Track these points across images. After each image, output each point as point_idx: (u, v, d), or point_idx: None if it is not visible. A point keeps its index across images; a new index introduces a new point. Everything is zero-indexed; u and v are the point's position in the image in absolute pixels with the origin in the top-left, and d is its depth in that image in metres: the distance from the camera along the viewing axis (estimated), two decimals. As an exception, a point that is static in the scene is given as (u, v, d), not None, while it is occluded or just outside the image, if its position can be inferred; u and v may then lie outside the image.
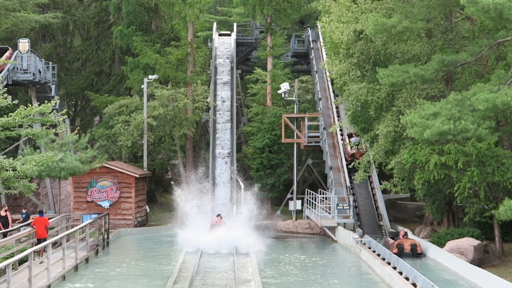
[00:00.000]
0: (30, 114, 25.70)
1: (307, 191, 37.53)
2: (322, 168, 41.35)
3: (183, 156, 43.43)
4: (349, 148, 37.34)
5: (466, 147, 23.87)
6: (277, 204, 42.32)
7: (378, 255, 25.69)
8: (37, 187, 29.87)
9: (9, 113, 25.36)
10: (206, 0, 42.61)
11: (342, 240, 31.52)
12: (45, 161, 25.63)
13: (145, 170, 39.79)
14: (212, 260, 27.16)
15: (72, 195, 36.41)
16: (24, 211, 29.65)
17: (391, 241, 27.75)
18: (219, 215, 32.41)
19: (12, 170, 24.44)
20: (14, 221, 28.55)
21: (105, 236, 30.43)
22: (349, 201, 33.19)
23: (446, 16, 27.45)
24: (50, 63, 42.03)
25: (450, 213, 30.07)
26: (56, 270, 22.11)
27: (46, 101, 29.14)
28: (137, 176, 36.51)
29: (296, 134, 39.08)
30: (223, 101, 44.98)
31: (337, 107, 41.36)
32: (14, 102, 25.77)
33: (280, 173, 41.56)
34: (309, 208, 36.49)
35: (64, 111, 33.41)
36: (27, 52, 38.35)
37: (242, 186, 38.84)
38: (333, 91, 41.64)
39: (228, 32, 51.32)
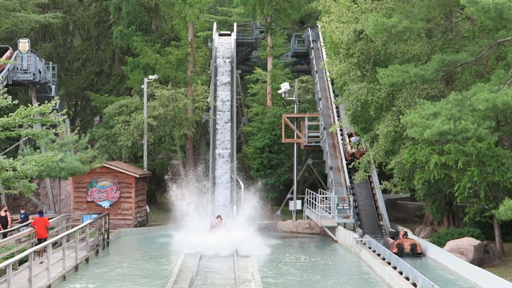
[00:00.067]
0: (30, 114, 25.70)
1: (307, 191, 37.53)
2: (322, 168, 41.35)
3: (183, 156, 43.44)
4: (349, 147, 37.36)
5: (466, 147, 23.87)
6: (277, 204, 42.33)
7: (378, 255, 25.69)
8: (37, 187, 29.84)
9: (9, 113, 25.35)
10: (206, 0, 42.62)
11: (342, 240, 31.52)
12: (45, 161, 25.62)
13: (145, 170, 39.80)
14: (213, 260, 27.14)
15: (72, 195, 36.40)
16: (22, 211, 29.57)
17: (391, 241, 27.76)
18: (219, 216, 32.02)
19: (12, 170, 24.43)
20: (13, 221, 28.53)
21: (105, 236, 30.43)
22: (349, 201, 33.19)
23: (446, 16, 27.45)
24: (50, 63, 42.04)
25: (450, 213, 30.07)
26: (56, 270, 22.11)
27: (46, 101, 29.14)
28: (137, 176, 36.51)
29: (296, 134, 39.07)
30: (223, 101, 44.98)
31: (337, 107, 41.38)
32: (14, 102, 25.76)
33: (280, 173, 41.57)
34: (309, 208, 36.49)
35: (64, 111, 33.39)
36: (27, 52, 38.36)
37: (242, 186, 38.85)
38: (333, 91, 41.67)
39: (228, 32, 51.32)
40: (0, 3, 44.04)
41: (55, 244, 23.70)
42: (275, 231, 36.26)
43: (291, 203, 37.76)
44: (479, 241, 25.05)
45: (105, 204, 35.93)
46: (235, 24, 52.16)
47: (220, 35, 50.55)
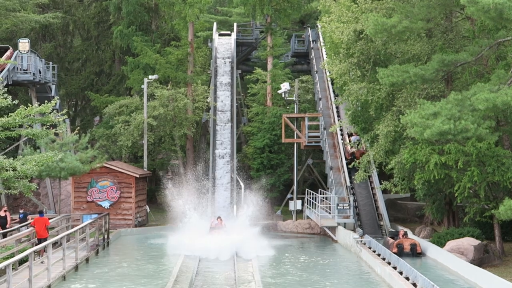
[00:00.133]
0: (30, 114, 25.69)
1: (307, 191, 37.53)
2: (322, 168, 41.35)
3: (183, 156, 43.44)
4: (349, 147, 37.35)
5: (466, 147, 23.87)
6: (277, 204, 42.32)
7: (378, 255, 25.69)
8: (37, 187, 29.84)
9: (9, 113, 25.35)
10: (206, 0, 42.60)
11: (342, 240, 31.52)
12: (45, 161, 25.62)
13: (145, 170, 39.79)
14: (213, 260, 27.11)
15: (72, 195, 36.40)
16: (21, 211, 29.53)
17: (391, 240, 27.75)
18: (219, 217, 31.68)
19: (12, 170, 24.43)
20: (12, 221, 28.49)
21: (105, 236, 30.42)
22: (349, 201, 33.19)
23: (446, 16, 27.45)
24: (50, 63, 42.04)
25: (450, 213, 30.06)
26: (56, 270, 22.10)
27: (46, 101, 29.12)
28: (137, 176, 36.51)
29: (296, 134, 39.07)
30: (223, 101, 44.97)
31: (337, 107, 41.37)
32: (14, 102, 25.76)
33: (280, 173, 41.57)
34: (309, 208, 36.49)
35: (64, 111, 33.39)
36: (27, 52, 38.37)
37: (242, 186, 38.84)
38: (333, 91, 41.66)
39: (228, 32, 51.31)
40: (0, 3, 44.05)
41: (55, 244, 23.70)
42: (275, 231, 36.26)
43: (291, 203, 37.76)
44: (479, 241, 25.05)
45: (105, 204, 35.93)
46: (235, 24, 52.15)
47: (220, 35, 50.54)
